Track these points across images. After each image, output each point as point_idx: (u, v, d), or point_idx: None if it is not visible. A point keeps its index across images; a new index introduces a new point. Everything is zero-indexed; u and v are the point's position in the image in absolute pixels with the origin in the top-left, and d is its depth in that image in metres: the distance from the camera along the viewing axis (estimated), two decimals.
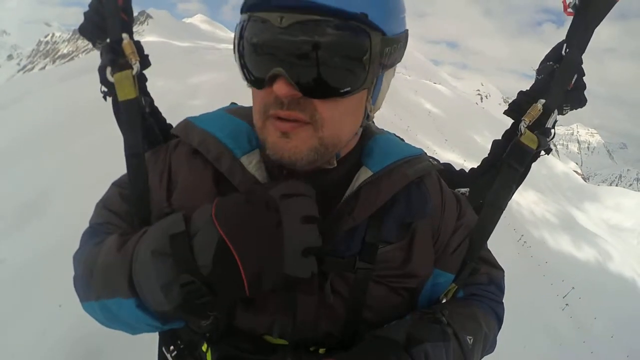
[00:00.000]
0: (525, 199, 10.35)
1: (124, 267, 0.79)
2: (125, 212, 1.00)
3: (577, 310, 6.69)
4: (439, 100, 17.48)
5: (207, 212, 0.74)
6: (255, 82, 0.79)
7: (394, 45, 0.81)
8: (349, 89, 0.76)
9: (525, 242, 7.96)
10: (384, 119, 9.80)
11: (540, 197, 11.11)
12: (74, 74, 9.19)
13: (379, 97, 0.88)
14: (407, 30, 0.87)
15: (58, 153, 5.38)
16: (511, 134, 1.19)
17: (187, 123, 0.98)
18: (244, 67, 0.80)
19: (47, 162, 5.19)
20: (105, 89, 1.05)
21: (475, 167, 1.33)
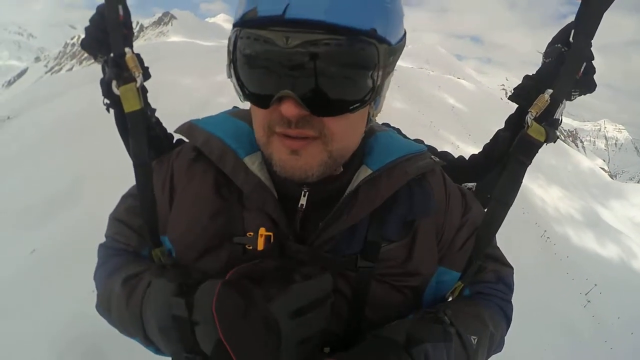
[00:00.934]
0: (549, 195, 10.12)
1: (136, 325, 0.88)
2: (135, 222, 1.05)
3: (598, 307, 6.55)
4: (463, 95, 17.18)
5: (208, 303, 0.71)
6: (258, 101, 0.77)
7: (397, 53, 0.80)
8: (358, 104, 0.75)
9: (548, 237, 7.82)
10: (407, 114, 9.74)
11: (565, 193, 10.84)
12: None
13: (380, 100, 0.86)
14: (405, 31, 0.85)
15: (89, 146, 5.53)
16: (514, 122, 1.16)
17: (191, 125, 0.99)
18: (239, 81, 0.77)
19: (76, 155, 5.34)
20: (108, 102, 1.08)
21: (477, 153, 1.30)
